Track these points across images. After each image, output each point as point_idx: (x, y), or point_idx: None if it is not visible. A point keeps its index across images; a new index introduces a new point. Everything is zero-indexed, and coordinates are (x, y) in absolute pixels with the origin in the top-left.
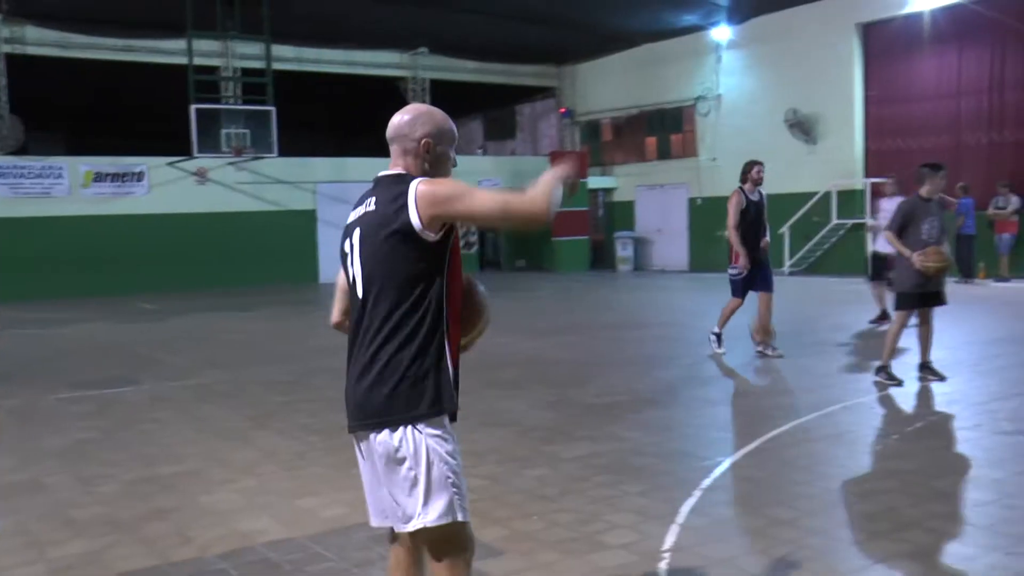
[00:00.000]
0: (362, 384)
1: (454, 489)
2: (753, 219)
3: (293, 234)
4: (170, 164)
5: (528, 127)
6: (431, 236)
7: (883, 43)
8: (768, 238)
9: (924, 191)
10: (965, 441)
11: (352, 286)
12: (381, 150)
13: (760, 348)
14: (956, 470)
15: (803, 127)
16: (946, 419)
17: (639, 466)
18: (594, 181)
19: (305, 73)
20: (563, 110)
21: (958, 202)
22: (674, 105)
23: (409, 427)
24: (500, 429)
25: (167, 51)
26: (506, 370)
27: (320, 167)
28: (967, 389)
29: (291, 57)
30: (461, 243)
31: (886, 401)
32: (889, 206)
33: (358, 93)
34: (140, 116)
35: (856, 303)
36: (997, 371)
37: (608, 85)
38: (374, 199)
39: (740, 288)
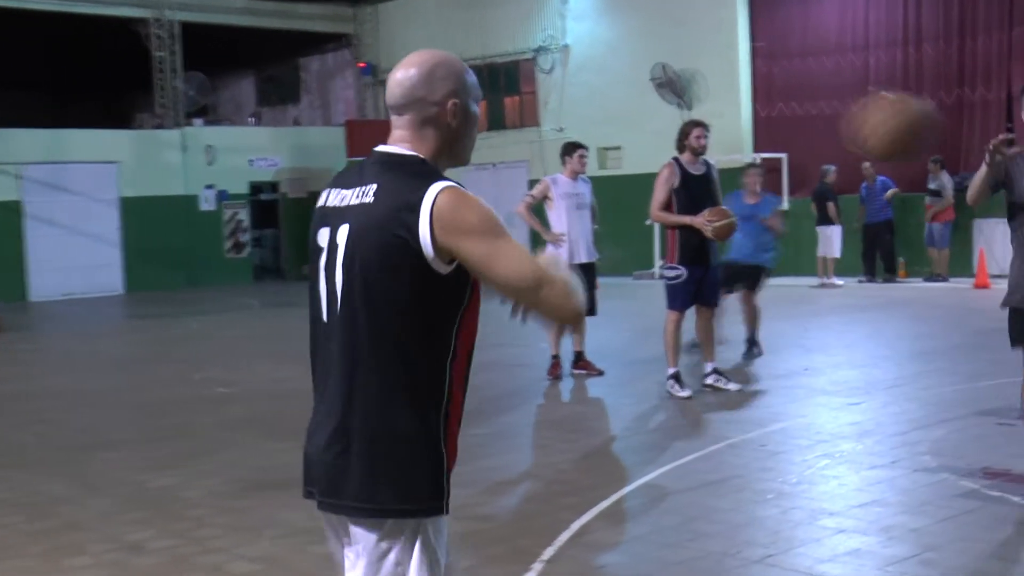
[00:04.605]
0: (333, 448)
1: None
2: (696, 199)
3: None
4: None
5: (317, 88)
6: (441, 268)
7: None
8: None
9: None
10: (878, 482)
11: (318, 299)
12: (114, 118)
13: (711, 380)
14: (867, 519)
15: (675, 87)
16: (855, 454)
17: (462, 533)
18: None
19: (5, 11)
20: (362, 65)
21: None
22: (508, 59)
23: (402, 520)
24: (274, 492)
25: None
26: (272, 410)
27: (27, 142)
28: (882, 416)
29: None
30: (228, 243)
31: (782, 435)
32: None
33: (82, 41)
34: None
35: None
36: (919, 393)
37: (420, 32)
38: (375, 187)
39: (681, 297)
